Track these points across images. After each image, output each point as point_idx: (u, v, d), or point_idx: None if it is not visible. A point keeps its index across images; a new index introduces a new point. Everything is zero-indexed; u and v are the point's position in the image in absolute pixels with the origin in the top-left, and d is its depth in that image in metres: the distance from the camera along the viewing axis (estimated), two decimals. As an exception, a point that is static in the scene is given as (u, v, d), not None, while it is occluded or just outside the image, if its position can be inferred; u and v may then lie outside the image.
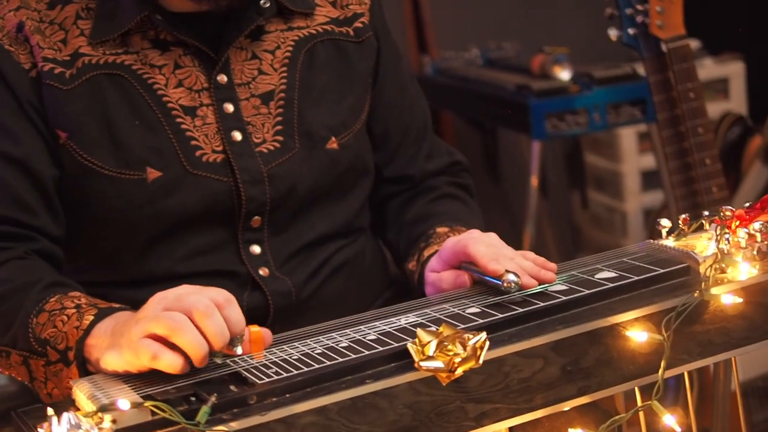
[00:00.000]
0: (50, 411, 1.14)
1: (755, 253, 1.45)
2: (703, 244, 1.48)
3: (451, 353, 1.21)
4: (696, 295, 1.36)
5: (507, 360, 1.27)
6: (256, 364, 1.26)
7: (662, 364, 1.34)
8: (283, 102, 1.66)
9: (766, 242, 1.46)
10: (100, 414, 1.14)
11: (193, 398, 1.20)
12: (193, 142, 1.60)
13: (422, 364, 1.21)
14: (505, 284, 1.39)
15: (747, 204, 1.52)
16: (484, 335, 1.23)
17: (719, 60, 3.76)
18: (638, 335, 1.32)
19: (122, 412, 1.14)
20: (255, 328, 1.31)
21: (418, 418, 1.23)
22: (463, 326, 1.30)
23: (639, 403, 1.38)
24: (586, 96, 2.95)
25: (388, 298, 1.78)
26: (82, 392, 1.23)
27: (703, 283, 1.38)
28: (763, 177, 3.30)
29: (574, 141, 3.59)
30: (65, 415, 1.11)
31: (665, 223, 1.52)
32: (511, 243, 1.69)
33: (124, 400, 1.14)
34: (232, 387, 1.22)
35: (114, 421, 1.13)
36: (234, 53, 1.64)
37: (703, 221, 1.52)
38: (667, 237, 1.52)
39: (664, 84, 2.50)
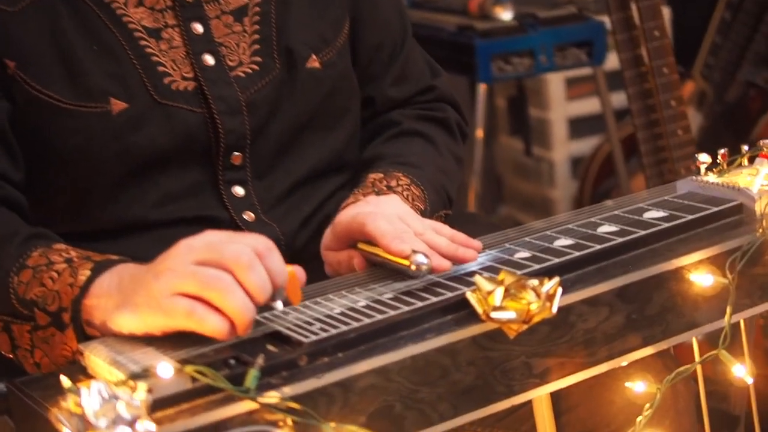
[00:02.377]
0: (66, 381, 0.97)
1: (807, 188, 1.34)
2: (746, 180, 1.37)
3: (524, 302, 1.07)
4: (759, 233, 1.24)
5: (573, 309, 1.14)
6: (296, 321, 1.10)
7: (728, 309, 1.22)
8: (258, 17, 1.47)
9: (818, 177, 1.35)
10: (132, 382, 0.97)
11: (232, 361, 1.03)
12: (161, 68, 1.40)
13: (493, 315, 1.07)
14: (413, 267, 1.17)
15: None
16: (556, 280, 1.09)
17: (644, 5, 3.67)
18: (703, 279, 1.20)
19: (159, 380, 0.97)
20: (288, 268, 1.14)
21: (482, 376, 1.09)
22: (520, 272, 1.16)
23: (697, 352, 1.27)
24: (532, 37, 2.82)
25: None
26: (99, 358, 1.06)
27: (764, 221, 1.26)
28: (696, 122, 3.24)
29: (518, 86, 3.47)
30: (95, 386, 0.94)
31: (704, 158, 1.40)
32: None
33: (166, 365, 0.97)
34: (271, 347, 1.06)
35: (150, 390, 0.96)
36: None
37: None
38: (706, 173, 1.40)
39: (627, 22, 2.39)
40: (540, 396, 1.23)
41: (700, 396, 1.30)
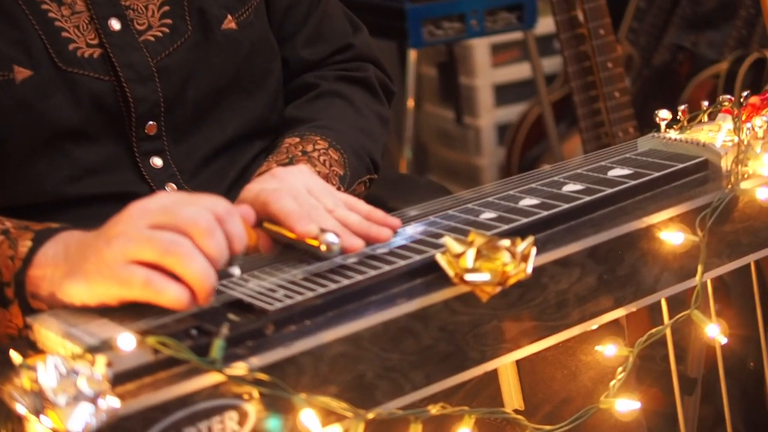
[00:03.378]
0: (17, 357, 0.90)
1: (771, 143, 1.31)
2: (708, 136, 1.33)
3: (498, 263, 1.02)
4: (728, 189, 1.21)
5: (545, 270, 1.09)
6: (257, 288, 1.04)
7: (699, 268, 1.19)
8: None
9: (781, 131, 1.32)
10: (89, 355, 0.90)
11: (194, 331, 0.97)
12: (64, 34, 1.32)
13: (468, 277, 1.02)
14: (322, 247, 1.08)
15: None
16: (530, 240, 1.04)
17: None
18: (673, 237, 1.17)
19: (119, 352, 0.91)
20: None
21: (453, 341, 1.04)
22: (489, 233, 1.11)
23: (665, 311, 1.23)
24: (463, 1, 2.77)
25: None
26: (50, 331, 0.99)
27: (732, 177, 1.23)
28: (624, 87, 3.21)
29: (448, 52, 3.41)
30: (51, 360, 0.87)
31: (664, 114, 1.36)
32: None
33: (128, 336, 0.90)
34: (233, 316, 1.00)
35: (109, 364, 0.89)
36: None
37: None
38: (666, 130, 1.37)
39: (562, -18, 2.36)
40: (505, 363, 1.19)
41: (670, 360, 1.27)
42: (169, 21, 1.38)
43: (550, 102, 3.03)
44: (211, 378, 0.91)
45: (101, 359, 0.89)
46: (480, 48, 3.48)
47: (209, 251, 1.00)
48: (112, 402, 0.86)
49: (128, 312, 1.01)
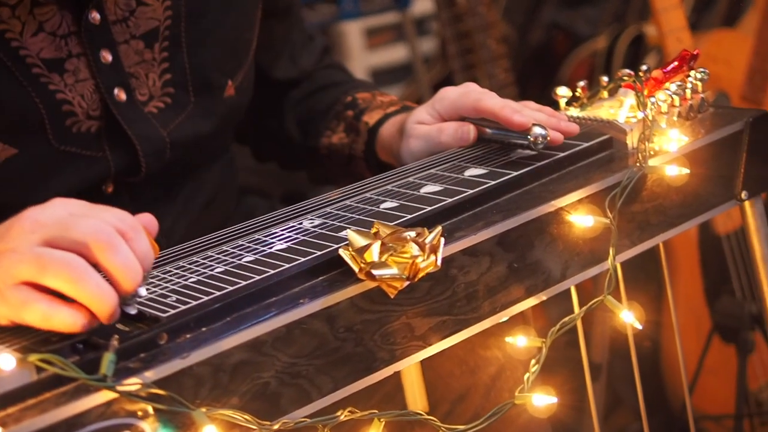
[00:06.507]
0: None
1: (675, 118, 1.26)
2: (609, 113, 1.28)
3: (406, 256, 0.95)
4: (636, 168, 1.16)
5: (454, 260, 1.02)
6: (147, 294, 0.95)
7: (611, 251, 1.13)
8: (168, 42, 1.28)
9: (684, 105, 1.28)
10: (-37, 380, 0.81)
11: (81, 345, 0.88)
12: (66, 107, 1.20)
13: (375, 272, 0.94)
14: (532, 138, 1.18)
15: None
16: (439, 230, 0.98)
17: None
18: (584, 220, 1.11)
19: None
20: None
21: (362, 342, 0.97)
22: (392, 224, 1.04)
23: (575, 299, 1.18)
24: (338, -18, 2.70)
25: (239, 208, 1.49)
26: None
27: (640, 155, 1.18)
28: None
29: (324, 35, 3.34)
30: None
31: (563, 92, 1.31)
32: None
33: (6, 356, 0.81)
34: (122, 326, 0.91)
35: (-14, 388, 0.80)
36: None
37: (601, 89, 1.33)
38: (566, 108, 1.31)
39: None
40: (408, 365, 1.12)
41: (581, 347, 1.22)
42: (171, 90, 1.29)
43: (428, 84, 2.97)
44: (102, 396, 0.83)
45: (-23, 383, 0.80)
46: (352, 32, 3.41)
47: (114, 268, 0.89)
48: (-8, 431, 0.77)
49: (5, 327, 0.91)
